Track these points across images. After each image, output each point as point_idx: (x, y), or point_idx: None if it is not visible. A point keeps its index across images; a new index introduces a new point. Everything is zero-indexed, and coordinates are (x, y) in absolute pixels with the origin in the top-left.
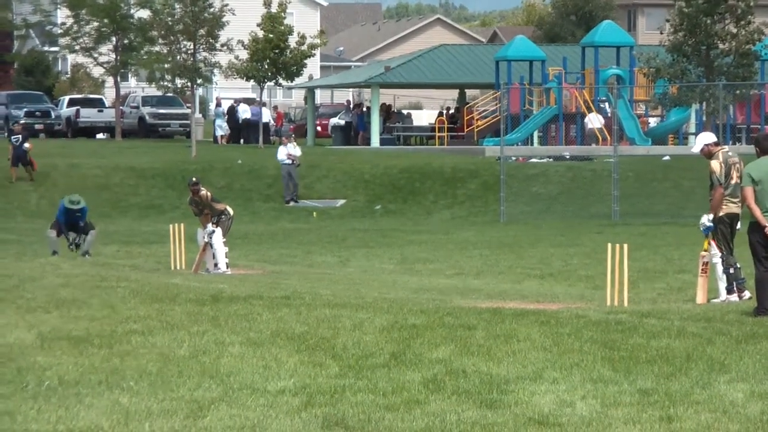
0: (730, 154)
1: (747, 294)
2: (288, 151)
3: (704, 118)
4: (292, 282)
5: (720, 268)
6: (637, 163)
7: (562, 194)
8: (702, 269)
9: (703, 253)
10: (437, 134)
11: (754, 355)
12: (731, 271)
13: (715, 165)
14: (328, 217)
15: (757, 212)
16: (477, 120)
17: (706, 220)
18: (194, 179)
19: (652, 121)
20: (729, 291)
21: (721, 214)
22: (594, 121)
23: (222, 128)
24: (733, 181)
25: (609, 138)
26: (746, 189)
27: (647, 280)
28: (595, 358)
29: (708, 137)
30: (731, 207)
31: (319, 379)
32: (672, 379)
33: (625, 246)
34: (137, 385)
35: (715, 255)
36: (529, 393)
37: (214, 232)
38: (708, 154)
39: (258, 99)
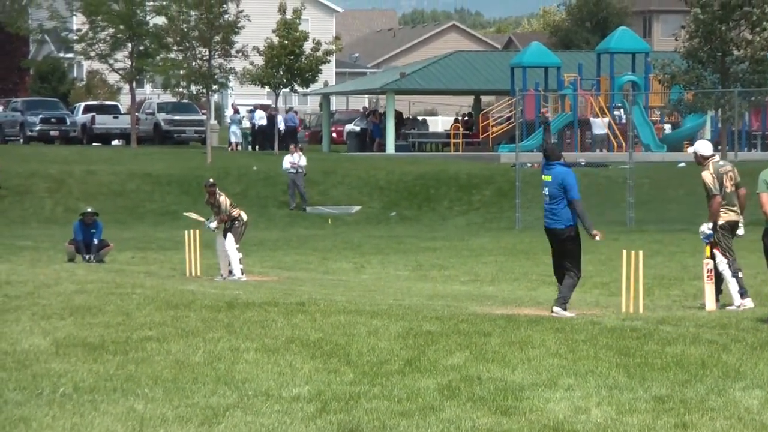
0: (721, 163)
1: (750, 302)
2: (291, 160)
3: (720, 125)
4: (307, 288)
5: (728, 273)
6: (652, 170)
7: None
8: (708, 276)
9: (706, 260)
10: (452, 140)
11: None
12: (740, 275)
13: (707, 175)
14: (343, 224)
15: None
16: (492, 126)
17: (706, 228)
18: (211, 180)
19: (668, 128)
20: (742, 295)
21: (721, 222)
22: (598, 125)
23: (236, 135)
24: (727, 190)
25: (624, 143)
26: (762, 195)
27: (662, 287)
28: (610, 364)
29: (703, 147)
30: (730, 215)
31: (333, 386)
32: (687, 386)
33: (641, 253)
34: (152, 392)
35: (722, 262)
36: (544, 400)
37: (215, 228)
38: (700, 162)
39: (273, 104)
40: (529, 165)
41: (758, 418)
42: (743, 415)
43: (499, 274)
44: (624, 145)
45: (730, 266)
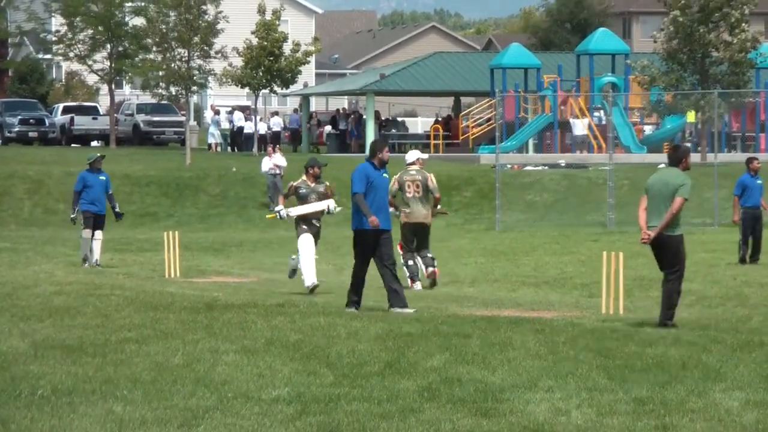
0: (412, 172)
1: (418, 285)
2: (273, 161)
3: (699, 126)
4: (286, 290)
5: (403, 262)
6: (632, 171)
7: (558, 202)
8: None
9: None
10: (432, 142)
11: (750, 364)
12: (410, 263)
13: (393, 178)
14: (323, 225)
15: (641, 220)
16: (472, 128)
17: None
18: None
19: (647, 129)
20: (412, 280)
21: (402, 221)
22: (578, 127)
23: (214, 136)
24: (408, 195)
25: (604, 145)
26: (642, 197)
27: (642, 288)
28: (590, 366)
29: (407, 155)
30: (409, 217)
31: (313, 388)
32: (667, 387)
33: (621, 254)
34: (131, 394)
35: (401, 255)
36: (524, 401)
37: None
38: None
39: (253, 106)
40: (509, 166)
41: (738, 419)
42: (723, 416)
43: (479, 276)
44: (604, 146)
45: (403, 257)
